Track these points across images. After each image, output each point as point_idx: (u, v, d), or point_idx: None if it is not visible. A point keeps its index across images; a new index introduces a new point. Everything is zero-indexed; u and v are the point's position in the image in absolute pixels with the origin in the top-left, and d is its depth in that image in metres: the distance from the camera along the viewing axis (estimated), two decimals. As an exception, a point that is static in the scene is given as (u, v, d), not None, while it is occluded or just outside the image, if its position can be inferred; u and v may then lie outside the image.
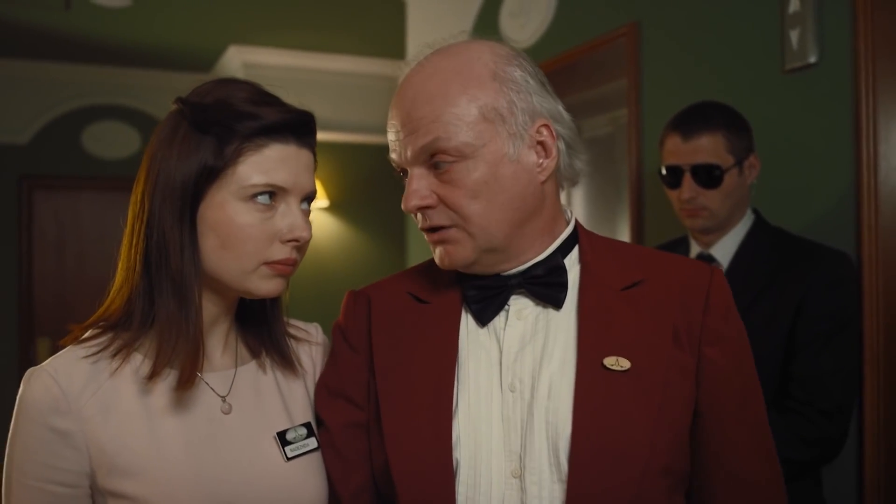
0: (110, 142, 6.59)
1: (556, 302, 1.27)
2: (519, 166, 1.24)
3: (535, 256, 1.29)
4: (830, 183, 2.26)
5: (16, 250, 6.34)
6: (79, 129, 6.58)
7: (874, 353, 2.08)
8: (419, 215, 1.27)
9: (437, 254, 1.28)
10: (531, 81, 1.26)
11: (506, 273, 1.29)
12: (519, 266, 1.28)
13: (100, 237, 6.42)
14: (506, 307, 1.29)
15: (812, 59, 2.30)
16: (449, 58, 1.26)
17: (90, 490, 1.25)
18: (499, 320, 1.29)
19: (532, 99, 1.25)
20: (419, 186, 1.24)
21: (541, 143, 1.26)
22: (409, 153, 1.24)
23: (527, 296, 1.29)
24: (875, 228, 2.12)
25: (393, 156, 1.29)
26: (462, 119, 1.21)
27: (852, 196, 2.19)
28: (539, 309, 1.28)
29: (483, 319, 1.29)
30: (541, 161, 1.26)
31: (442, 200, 1.23)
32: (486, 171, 1.21)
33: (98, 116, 6.62)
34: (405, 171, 1.28)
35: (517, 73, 1.25)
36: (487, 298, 1.29)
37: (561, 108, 1.30)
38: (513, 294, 1.29)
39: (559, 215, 1.33)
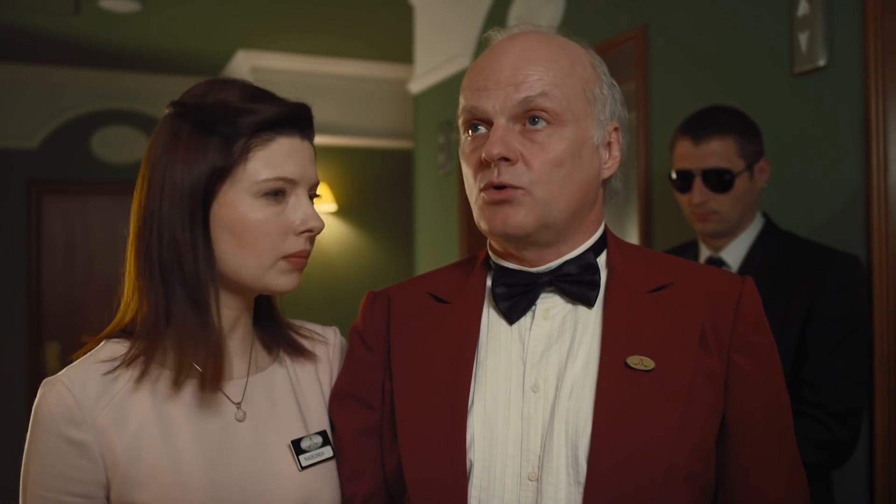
0: (119, 146, 6.63)
1: (588, 300, 1.25)
2: (595, 155, 1.26)
3: (569, 252, 1.27)
4: (840, 186, 2.26)
5: (25, 255, 6.36)
6: (88, 133, 6.62)
7: (884, 357, 2.07)
8: (485, 171, 1.23)
9: (491, 216, 1.23)
10: (614, 84, 1.31)
11: (536, 270, 1.27)
12: (550, 263, 1.27)
13: (109, 242, 6.45)
14: (532, 307, 1.27)
15: (821, 63, 2.30)
16: (551, 37, 1.28)
17: (105, 501, 1.24)
18: (524, 320, 1.27)
19: (616, 99, 1.30)
20: (507, 137, 1.20)
21: (610, 143, 1.29)
22: (504, 103, 1.21)
23: (557, 294, 1.26)
24: (885, 231, 2.11)
25: (476, 104, 1.23)
26: (569, 87, 1.22)
27: (862, 199, 2.18)
28: (567, 308, 1.26)
29: (511, 318, 1.26)
30: (607, 160, 1.29)
31: (524, 158, 1.20)
32: (573, 145, 1.22)
33: (107, 121, 6.66)
34: (475, 128, 1.26)
35: (606, 73, 1.30)
36: (516, 296, 1.27)
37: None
38: (542, 293, 1.27)
39: (599, 220, 1.33)
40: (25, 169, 6.39)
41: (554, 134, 1.21)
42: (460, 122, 1.29)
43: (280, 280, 1.30)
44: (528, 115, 1.21)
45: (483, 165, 1.22)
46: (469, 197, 1.29)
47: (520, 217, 1.20)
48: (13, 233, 6.35)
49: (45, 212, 6.47)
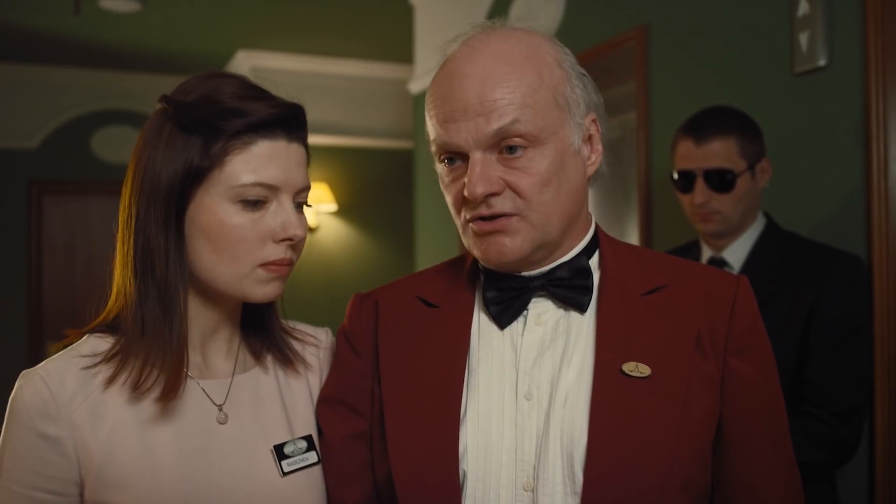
0: (119, 146, 6.64)
1: (581, 306, 1.21)
2: (578, 158, 1.21)
3: (561, 257, 1.23)
4: (840, 186, 2.26)
5: (25, 255, 6.37)
6: (88, 133, 6.63)
7: (885, 356, 2.08)
8: (471, 203, 1.18)
9: (486, 247, 1.19)
10: (584, 73, 1.24)
11: (527, 274, 1.23)
12: (542, 267, 1.23)
13: (109, 242, 6.34)
14: (524, 311, 1.23)
15: (822, 62, 2.30)
16: (512, 41, 1.20)
17: (79, 499, 1.20)
18: (516, 325, 1.23)
19: (588, 90, 1.23)
20: (487, 172, 1.14)
21: (590, 137, 1.23)
22: (477, 136, 1.14)
23: (549, 298, 1.23)
24: (885, 231, 2.11)
25: (447, 139, 1.18)
26: (540, 103, 1.15)
27: (862, 199, 2.18)
28: (560, 313, 1.22)
29: (502, 322, 1.23)
30: (590, 155, 1.24)
31: (510, 186, 1.15)
32: (556, 159, 1.16)
33: (107, 121, 6.67)
34: (451, 159, 1.20)
35: (574, 63, 1.23)
36: (508, 300, 1.22)
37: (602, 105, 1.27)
38: (534, 297, 1.23)
39: (589, 220, 1.29)
40: (25, 169, 6.40)
41: (535, 156, 1.15)
42: (433, 149, 1.23)
43: (258, 289, 1.25)
44: (505, 145, 1.15)
45: (468, 199, 1.18)
46: (455, 222, 1.25)
47: (516, 245, 1.17)
48: (13, 233, 6.35)
49: (45, 212, 6.47)
